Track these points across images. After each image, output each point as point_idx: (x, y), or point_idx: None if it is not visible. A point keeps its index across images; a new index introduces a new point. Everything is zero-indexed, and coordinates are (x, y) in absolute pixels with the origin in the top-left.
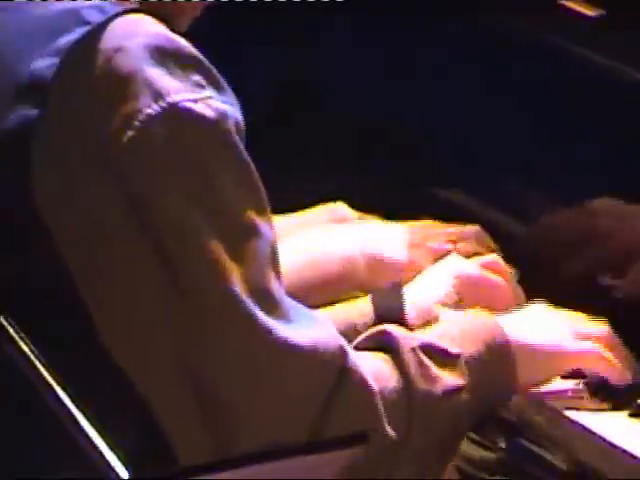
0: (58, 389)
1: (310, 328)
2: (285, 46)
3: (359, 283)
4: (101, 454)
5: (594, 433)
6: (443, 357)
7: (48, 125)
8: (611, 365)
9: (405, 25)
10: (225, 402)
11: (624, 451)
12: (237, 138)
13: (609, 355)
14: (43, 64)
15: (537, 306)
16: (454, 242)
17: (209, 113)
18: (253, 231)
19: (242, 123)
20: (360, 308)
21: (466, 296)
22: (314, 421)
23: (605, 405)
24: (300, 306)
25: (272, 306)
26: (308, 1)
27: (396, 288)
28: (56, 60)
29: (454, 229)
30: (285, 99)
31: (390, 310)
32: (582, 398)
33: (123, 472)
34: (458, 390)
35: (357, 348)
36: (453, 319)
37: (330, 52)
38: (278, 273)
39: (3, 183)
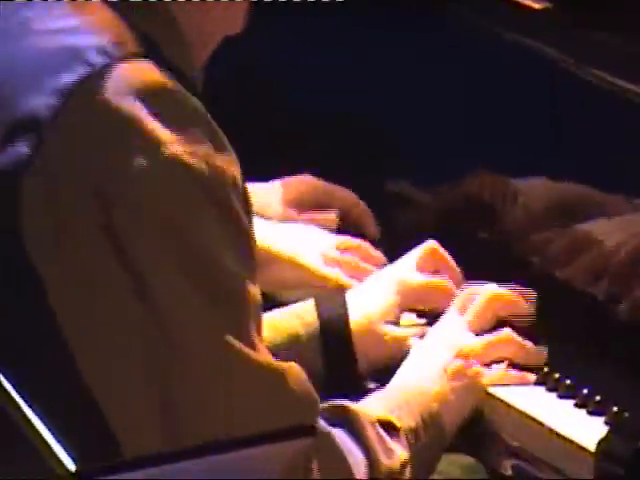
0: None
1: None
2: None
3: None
4: (48, 446)
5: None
6: (391, 430)
7: (41, 167)
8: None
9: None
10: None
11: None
12: (233, 198)
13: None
14: (40, 102)
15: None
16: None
17: (205, 168)
18: (240, 293)
19: (241, 183)
20: (302, 317)
21: (413, 304)
22: None
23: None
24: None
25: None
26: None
27: (339, 295)
28: (54, 100)
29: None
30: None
31: (334, 322)
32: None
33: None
34: (406, 463)
35: None
36: (395, 388)
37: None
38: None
39: None
